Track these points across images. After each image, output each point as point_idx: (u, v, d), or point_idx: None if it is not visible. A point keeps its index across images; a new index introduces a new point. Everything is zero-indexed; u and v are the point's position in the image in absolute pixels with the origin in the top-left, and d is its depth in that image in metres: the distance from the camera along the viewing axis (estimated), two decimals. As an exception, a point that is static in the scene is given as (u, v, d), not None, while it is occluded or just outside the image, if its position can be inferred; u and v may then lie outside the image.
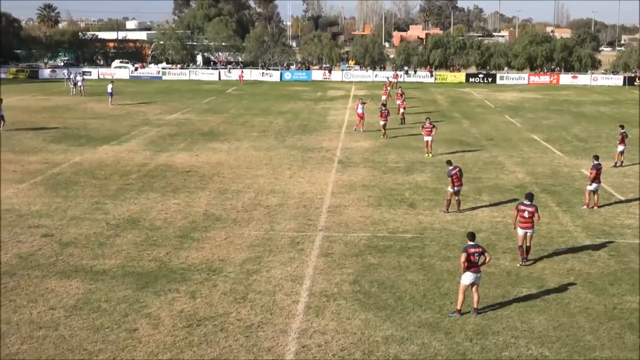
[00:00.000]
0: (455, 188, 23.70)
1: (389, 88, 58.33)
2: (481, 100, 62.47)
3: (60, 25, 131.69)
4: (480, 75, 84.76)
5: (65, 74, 72.16)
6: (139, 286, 16.98)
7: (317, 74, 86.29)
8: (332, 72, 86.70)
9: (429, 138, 34.12)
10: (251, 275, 17.79)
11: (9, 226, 21.84)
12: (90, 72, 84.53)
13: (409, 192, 26.62)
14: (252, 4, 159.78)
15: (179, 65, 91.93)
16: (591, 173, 24.56)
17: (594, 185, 24.42)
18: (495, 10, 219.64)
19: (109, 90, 55.12)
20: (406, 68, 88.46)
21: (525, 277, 17.90)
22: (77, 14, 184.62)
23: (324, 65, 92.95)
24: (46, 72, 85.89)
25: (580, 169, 31.40)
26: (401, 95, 48.48)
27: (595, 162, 24.82)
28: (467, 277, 15.44)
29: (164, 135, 40.09)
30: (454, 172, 23.56)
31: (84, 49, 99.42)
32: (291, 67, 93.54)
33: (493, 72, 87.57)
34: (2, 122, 40.70)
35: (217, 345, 14.02)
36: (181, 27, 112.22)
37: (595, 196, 24.64)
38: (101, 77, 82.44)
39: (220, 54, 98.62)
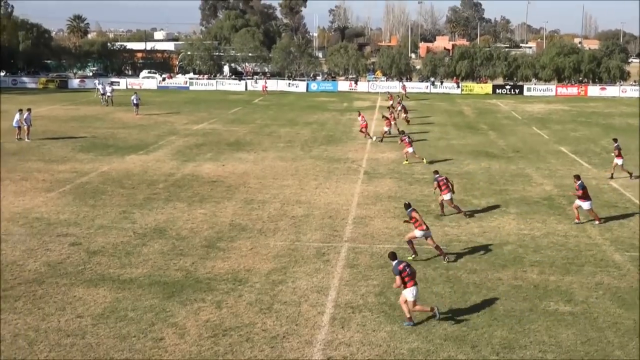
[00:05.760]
0: (447, 196, 24.42)
1: (399, 97, 58.94)
2: (508, 112, 62.11)
3: (89, 35, 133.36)
4: (507, 87, 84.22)
5: (96, 84, 72.85)
6: (165, 295, 17.07)
7: (343, 85, 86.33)
8: (359, 83, 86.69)
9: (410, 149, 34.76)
10: (277, 286, 17.81)
11: (38, 234, 22.09)
12: (118, 82, 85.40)
13: (435, 203, 26.49)
14: (278, 15, 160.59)
15: (206, 76, 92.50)
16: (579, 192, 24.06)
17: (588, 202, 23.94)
18: (523, 21, 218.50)
19: (134, 100, 55.52)
20: (432, 79, 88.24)
21: (553, 290, 17.73)
22: (106, 25, 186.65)
23: (350, 76, 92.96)
24: (75, 82, 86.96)
25: (609, 181, 31.08)
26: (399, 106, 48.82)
27: (578, 181, 24.31)
28: (410, 293, 15.41)
29: (190, 145, 40.35)
30: (441, 179, 24.66)
31: (113, 59, 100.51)
32: (317, 77, 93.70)
33: (520, 83, 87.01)
34: (28, 131, 41.26)
35: (243, 356, 14.04)
36: (208, 37, 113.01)
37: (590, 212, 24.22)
38: (129, 87, 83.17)
39: (247, 64, 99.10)
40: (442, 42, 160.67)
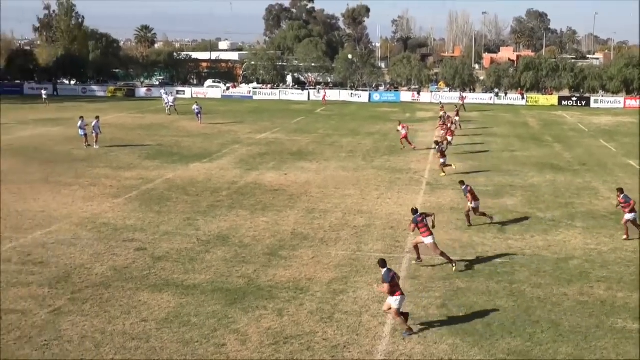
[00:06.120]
0: (474, 204, 24.48)
1: (457, 108, 58.38)
2: (574, 124, 60.89)
3: (156, 45, 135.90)
4: (574, 99, 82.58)
5: (162, 93, 74.20)
6: (228, 302, 17.26)
7: (405, 95, 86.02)
8: (421, 93, 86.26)
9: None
10: (338, 295, 17.82)
11: (105, 239, 22.61)
12: (184, 91, 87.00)
13: (499, 216, 26.15)
14: (341, 25, 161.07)
15: (269, 86, 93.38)
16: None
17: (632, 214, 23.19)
18: (590, 32, 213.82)
19: (196, 110, 56.12)
20: (496, 90, 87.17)
21: (621, 307, 17.28)
22: (172, 35, 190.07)
23: (413, 87, 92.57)
24: (142, 91, 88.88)
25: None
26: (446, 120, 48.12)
27: (622, 194, 23.51)
28: (396, 301, 15.41)
29: (254, 154, 40.76)
30: (469, 189, 24.63)
31: (179, 69, 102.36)
32: (380, 88, 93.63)
33: (587, 95, 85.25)
34: (96, 138, 42.26)
35: (304, 364, 14.08)
36: (272, 47, 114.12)
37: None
38: (194, 96, 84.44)
39: (309, 74, 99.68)
40: (506, 53, 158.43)
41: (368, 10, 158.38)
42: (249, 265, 20.19)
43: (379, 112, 69.84)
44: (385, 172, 35.20)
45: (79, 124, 42.68)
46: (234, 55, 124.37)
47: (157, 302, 17.26)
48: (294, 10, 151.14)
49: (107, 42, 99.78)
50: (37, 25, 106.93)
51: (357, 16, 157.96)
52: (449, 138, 42.23)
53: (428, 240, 19.90)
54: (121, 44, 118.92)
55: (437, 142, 37.31)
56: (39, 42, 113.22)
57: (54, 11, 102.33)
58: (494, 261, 20.78)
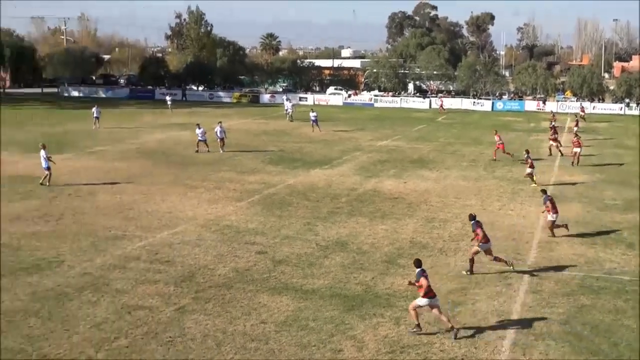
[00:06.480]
0: (553, 216, 23.88)
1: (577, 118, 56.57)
2: None
3: (280, 53, 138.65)
4: None
5: (284, 99, 75.51)
6: (346, 308, 17.36)
7: (530, 105, 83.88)
8: (547, 102, 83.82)
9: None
10: (456, 307, 17.58)
11: (228, 241, 23.26)
12: (306, 97, 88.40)
13: (628, 231, 25.05)
14: (465, 33, 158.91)
15: (390, 93, 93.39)
16: None
17: None
18: None
19: (312, 117, 56.38)
20: (627, 100, 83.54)
21: None
22: (296, 43, 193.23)
23: (538, 96, 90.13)
24: (266, 97, 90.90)
25: None
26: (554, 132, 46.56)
27: None
28: (424, 301, 15.75)
29: (374, 161, 40.85)
30: (550, 199, 24.16)
31: (302, 76, 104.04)
32: (503, 96, 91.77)
33: None
34: (222, 143, 43.42)
35: (420, 374, 13.98)
36: (394, 55, 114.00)
37: None
38: (316, 103, 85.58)
39: (431, 82, 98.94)
40: (639, 62, 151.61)
41: (493, 17, 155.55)
42: (366, 272, 20.25)
43: (502, 121, 68.31)
44: (507, 183, 34.45)
45: (197, 131, 43.71)
46: (356, 63, 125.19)
47: (276, 304, 17.58)
48: (417, 18, 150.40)
49: (234, 50, 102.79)
50: (169, 33, 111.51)
51: (481, 23, 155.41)
52: (576, 149, 40.56)
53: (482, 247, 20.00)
54: (247, 51, 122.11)
55: (527, 151, 36.23)
56: (169, 50, 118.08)
57: (184, 19, 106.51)
58: (622, 278, 19.93)
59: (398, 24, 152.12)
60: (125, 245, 22.53)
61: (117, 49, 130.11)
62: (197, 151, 42.88)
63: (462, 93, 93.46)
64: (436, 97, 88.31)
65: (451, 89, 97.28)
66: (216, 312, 17.01)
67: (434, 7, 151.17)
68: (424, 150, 46.02)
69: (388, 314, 17.06)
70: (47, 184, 31.64)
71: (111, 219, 25.92)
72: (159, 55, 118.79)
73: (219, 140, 43.65)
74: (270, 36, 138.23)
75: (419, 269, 16.09)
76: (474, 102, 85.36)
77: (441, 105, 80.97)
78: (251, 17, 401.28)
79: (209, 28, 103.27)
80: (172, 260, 21.05)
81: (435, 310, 15.91)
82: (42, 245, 22.36)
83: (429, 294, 15.74)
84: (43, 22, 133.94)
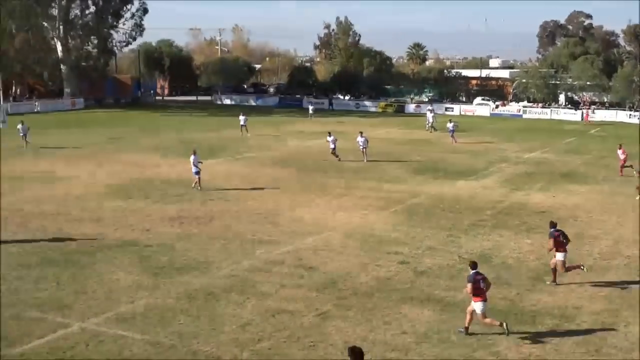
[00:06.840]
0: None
1: None
2: None
3: (427, 62, 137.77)
4: None
5: (427, 110, 74.80)
6: (488, 323, 17.01)
7: (693, 117, 78.74)
8: None
9: None
10: (607, 329, 16.79)
11: (370, 250, 23.40)
12: (452, 107, 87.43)
13: None
14: (621, 42, 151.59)
15: (540, 104, 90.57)
16: None
17: None
18: None
19: (450, 127, 55.29)
20: None
21: None
22: (443, 52, 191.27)
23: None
24: (411, 107, 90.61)
25: None
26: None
27: None
28: (478, 306, 15.94)
29: (521, 174, 39.80)
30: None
31: (448, 86, 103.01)
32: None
33: None
34: (364, 152, 43.65)
35: (565, 396, 13.48)
36: (545, 65, 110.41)
37: None
38: (462, 113, 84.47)
39: (584, 93, 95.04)
40: None
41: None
42: (511, 288, 19.76)
43: (661, 135, 64.53)
44: (666, 200, 32.54)
45: (329, 139, 43.97)
46: (504, 73, 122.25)
47: (417, 316, 17.50)
48: (570, 27, 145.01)
49: (380, 59, 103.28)
50: (317, 43, 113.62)
51: (639, 32, 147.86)
52: None
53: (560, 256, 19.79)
54: (394, 61, 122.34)
55: None
56: (318, 59, 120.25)
57: (333, 30, 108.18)
58: None
59: (550, 33, 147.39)
60: (270, 250, 23.18)
61: (267, 59, 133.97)
62: (338, 159, 43.09)
63: (617, 105, 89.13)
64: (590, 109, 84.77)
65: (605, 100, 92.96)
66: (357, 320, 17.14)
67: (589, 16, 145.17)
68: (574, 164, 44.32)
69: (533, 331, 16.58)
70: (199, 188, 33.05)
71: (257, 224, 26.75)
72: (308, 64, 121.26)
73: (362, 149, 43.94)
74: (418, 46, 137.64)
75: (473, 271, 16.41)
76: (630, 115, 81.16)
77: (587, 117, 77.64)
78: (399, 26, 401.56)
79: (357, 38, 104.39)
80: (315, 267, 21.42)
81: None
82: (192, 247, 23.41)
83: (480, 297, 16.01)
84: (200, 32, 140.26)
